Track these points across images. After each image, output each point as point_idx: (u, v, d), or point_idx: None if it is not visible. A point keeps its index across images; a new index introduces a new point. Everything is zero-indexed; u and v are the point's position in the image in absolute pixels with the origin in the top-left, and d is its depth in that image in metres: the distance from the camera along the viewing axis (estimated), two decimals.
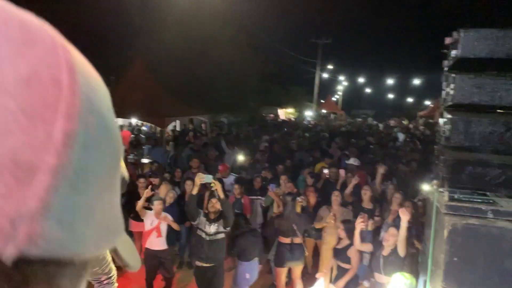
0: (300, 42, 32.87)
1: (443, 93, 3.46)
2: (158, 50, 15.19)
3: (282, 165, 8.19)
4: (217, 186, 4.96)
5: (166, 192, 6.10)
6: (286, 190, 6.12)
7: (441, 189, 3.54)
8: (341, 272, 4.95)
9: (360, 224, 4.67)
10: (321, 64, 36.94)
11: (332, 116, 44.84)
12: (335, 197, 5.88)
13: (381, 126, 29.43)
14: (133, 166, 9.49)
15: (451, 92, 3.07)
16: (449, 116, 3.11)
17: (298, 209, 5.31)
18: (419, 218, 5.81)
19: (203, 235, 4.81)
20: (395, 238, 4.51)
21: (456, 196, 3.14)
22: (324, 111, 43.25)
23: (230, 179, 7.35)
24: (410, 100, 57.38)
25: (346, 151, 10.75)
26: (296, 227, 5.16)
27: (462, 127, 3.00)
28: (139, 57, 13.38)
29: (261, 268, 5.67)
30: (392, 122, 33.19)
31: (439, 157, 3.43)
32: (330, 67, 43.51)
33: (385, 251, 4.50)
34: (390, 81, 51.63)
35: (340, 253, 4.99)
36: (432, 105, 44.66)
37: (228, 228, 4.95)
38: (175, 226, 5.49)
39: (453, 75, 3.04)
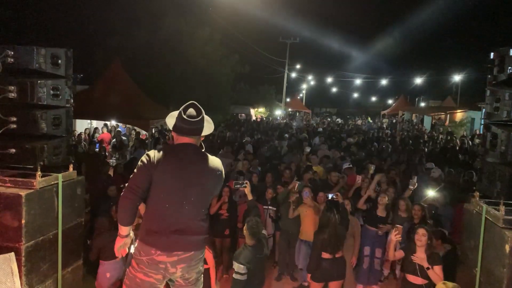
0: (269, 42, 32.90)
1: (487, 107, 3.51)
2: (136, 51, 14.71)
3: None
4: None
5: None
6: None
7: (479, 201, 3.63)
8: None
9: (396, 237, 4.67)
10: (289, 63, 37.18)
11: (297, 114, 45.45)
12: (346, 206, 5.89)
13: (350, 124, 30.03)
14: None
15: (507, 108, 3.12)
16: (503, 131, 3.16)
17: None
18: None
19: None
20: (426, 237, 4.56)
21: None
22: (290, 109, 43.63)
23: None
24: (373, 99, 59.10)
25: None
26: (339, 241, 5.04)
27: None
28: (118, 57, 12.86)
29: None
30: (359, 122, 34.07)
31: (485, 170, 3.48)
32: (298, 66, 43.80)
33: (419, 254, 4.55)
34: (354, 80, 52.80)
35: None
36: (395, 104, 46.45)
37: None
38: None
39: (510, 92, 3.09)
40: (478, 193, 3.65)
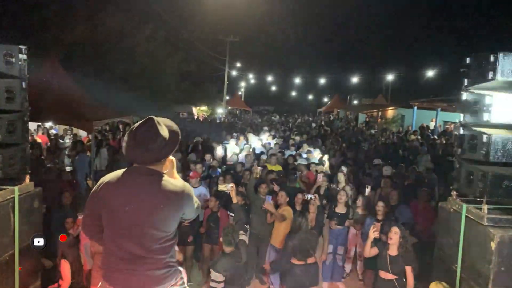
0: (211, 40, 32.42)
1: (463, 109, 3.65)
2: (72, 46, 13.68)
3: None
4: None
5: None
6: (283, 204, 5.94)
7: (457, 200, 3.78)
8: None
9: (374, 234, 4.74)
10: (229, 61, 36.98)
11: (237, 111, 45.55)
12: (312, 204, 5.89)
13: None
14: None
15: (487, 110, 3.27)
16: (484, 133, 3.30)
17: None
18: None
19: None
20: (398, 236, 4.70)
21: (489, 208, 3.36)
22: (230, 107, 43.55)
23: (200, 189, 6.92)
24: (310, 97, 60.84)
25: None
26: (310, 247, 4.91)
27: (500, 145, 3.22)
28: (54, 52, 11.88)
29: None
30: (298, 120, 34.86)
31: (463, 170, 3.63)
32: (238, 64, 43.77)
33: (392, 251, 4.68)
34: (291, 78, 53.92)
35: None
36: (330, 102, 48.30)
37: None
38: (180, 256, 4.97)
39: (491, 95, 3.23)
40: (455, 192, 3.79)
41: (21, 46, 3.71)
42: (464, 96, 3.65)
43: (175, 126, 2.52)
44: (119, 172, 2.51)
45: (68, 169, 10.72)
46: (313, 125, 28.54)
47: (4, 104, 3.55)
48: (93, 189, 2.51)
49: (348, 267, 7.03)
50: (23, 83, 3.76)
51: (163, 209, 2.41)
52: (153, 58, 16.11)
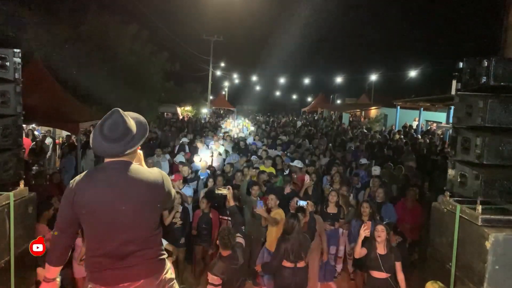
0: (195, 39, 32.31)
1: (457, 112, 3.76)
2: (54, 46, 13.43)
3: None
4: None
5: None
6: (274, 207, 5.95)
7: (451, 200, 3.89)
8: None
9: (365, 232, 4.81)
10: (213, 61, 36.87)
11: (221, 111, 45.47)
12: (309, 206, 5.93)
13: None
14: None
15: (480, 114, 3.37)
16: (478, 136, 3.41)
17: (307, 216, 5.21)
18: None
19: None
20: (384, 233, 4.83)
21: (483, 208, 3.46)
22: (214, 107, 43.48)
23: (185, 191, 6.89)
24: (294, 97, 61.09)
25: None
26: (303, 250, 4.86)
27: (494, 147, 3.32)
28: (37, 53, 11.65)
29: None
30: (283, 120, 34.97)
31: (456, 171, 3.73)
32: (222, 64, 43.70)
33: (381, 250, 4.79)
34: (274, 78, 54.05)
35: None
36: (314, 102, 48.62)
37: None
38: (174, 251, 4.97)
39: (486, 99, 3.33)
40: (448, 193, 3.89)
41: (15, 50, 3.65)
42: (457, 99, 3.75)
43: (142, 118, 2.54)
44: (89, 172, 2.47)
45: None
46: (299, 123, 28.70)
47: None
48: (66, 194, 2.43)
49: (338, 267, 7.12)
50: (17, 87, 3.70)
51: (145, 197, 2.40)
52: (138, 58, 15.94)
